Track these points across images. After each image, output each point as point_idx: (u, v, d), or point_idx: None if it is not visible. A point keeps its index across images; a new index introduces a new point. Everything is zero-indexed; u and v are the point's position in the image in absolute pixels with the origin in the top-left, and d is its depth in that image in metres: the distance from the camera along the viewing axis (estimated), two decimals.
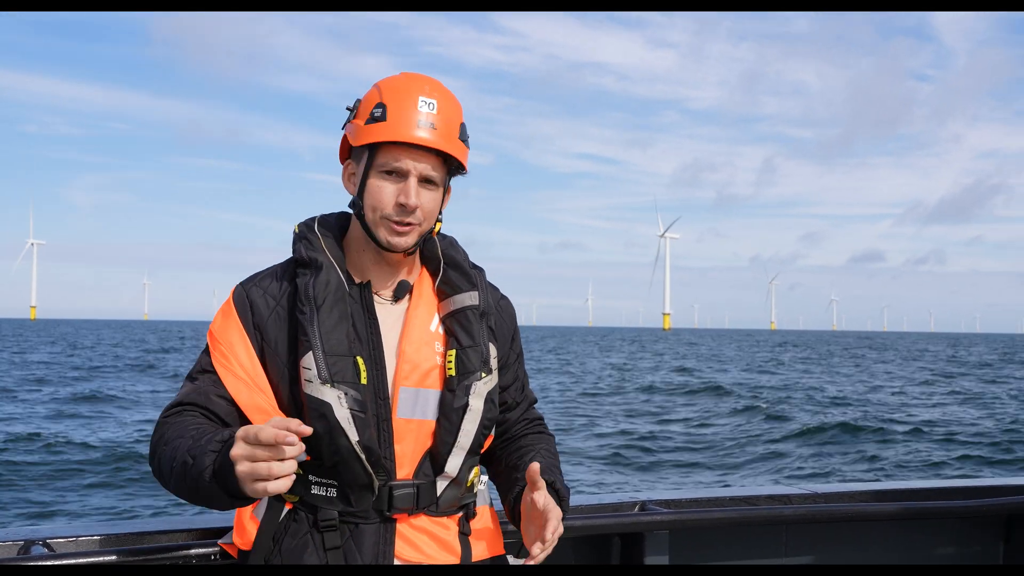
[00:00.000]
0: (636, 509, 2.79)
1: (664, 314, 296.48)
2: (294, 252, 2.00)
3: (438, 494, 1.97)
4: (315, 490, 1.91)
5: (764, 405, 22.92)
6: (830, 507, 2.90)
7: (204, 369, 1.94)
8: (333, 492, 1.91)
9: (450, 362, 1.98)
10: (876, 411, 21.81)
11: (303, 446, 1.61)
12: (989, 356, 68.29)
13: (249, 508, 1.96)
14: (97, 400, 23.21)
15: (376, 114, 1.92)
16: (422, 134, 1.91)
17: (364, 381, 1.89)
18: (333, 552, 1.90)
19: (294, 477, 1.62)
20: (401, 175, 1.93)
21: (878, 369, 45.80)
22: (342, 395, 1.85)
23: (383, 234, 1.95)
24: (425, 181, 1.95)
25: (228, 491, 1.67)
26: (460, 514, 2.03)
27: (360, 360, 1.90)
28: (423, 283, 2.07)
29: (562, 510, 1.97)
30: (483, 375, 2.00)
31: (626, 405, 24.35)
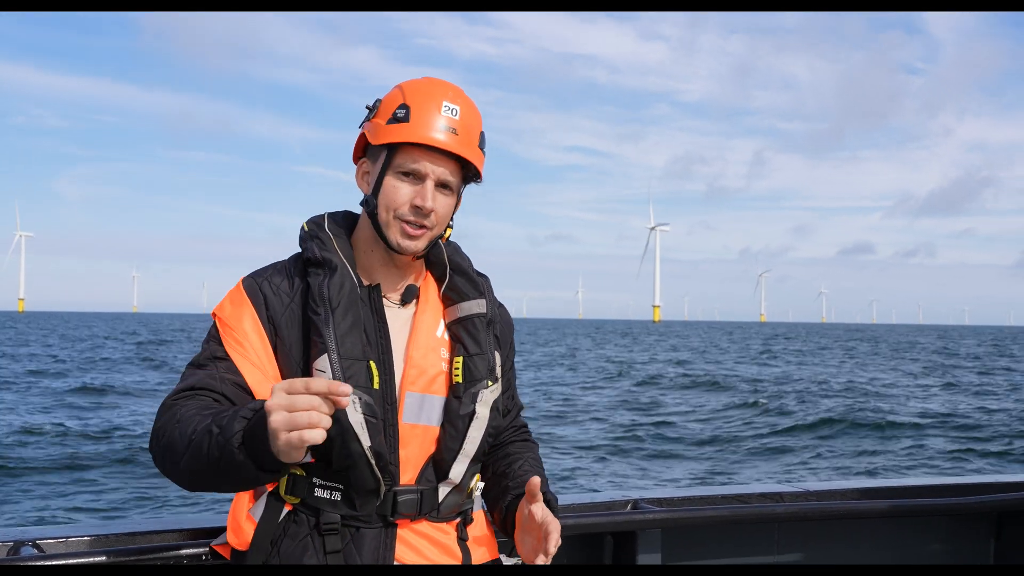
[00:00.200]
0: (628, 508, 2.79)
1: (654, 306, 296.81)
2: (305, 250, 1.96)
3: (440, 500, 1.97)
4: (319, 493, 1.89)
5: (764, 400, 22.89)
6: (822, 505, 2.90)
7: (215, 356, 1.89)
8: (338, 496, 1.89)
9: (457, 369, 1.98)
10: (878, 404, 21.81)
11: (348, 402, 1.60)
12: (977, 348, 68.54)
13: (245, 507, 1.94)
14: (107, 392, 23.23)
15: (399, 115, 1.91)
16: (444, 138, 1.90)
17: (376, 386, 1.88)
18: (333, 556, 1.89)
19: (325, 434, 1.58)
20: (419, 177, 1.92)
21: (872, 362, 45.94)
22: (356, 400, 1.84)
23: (394, 235, 1.94)
24: (441, 186, 1.94)
25: (255, 458, 1.63)
26: (458, 519, 2.03)
27: (373, 364, 1.89)
28: (429, 288, 2.07)
29: None
30: (489, 383, 2.00)
31: (625, 398, 24.34)
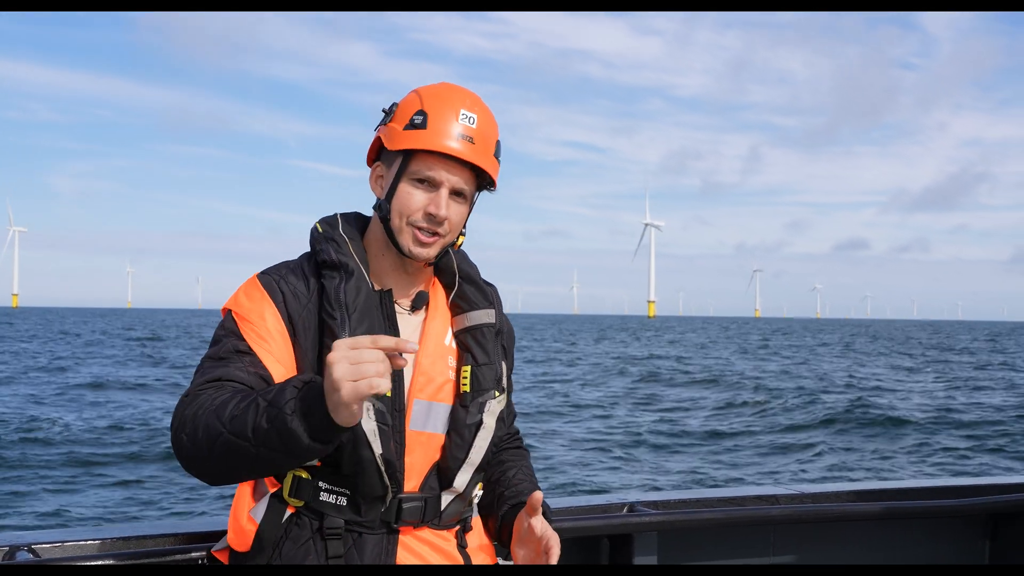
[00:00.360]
0: (625, 510, 2.79)
1: (649, 302, 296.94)
2: (319, 252, 1.95)
3: (443, 507, 1.97)
4: (324, 497, 1.89)
5: (760, 399, 22.85)
6: (817, 507, 2.91)
7: (238, 350, 1.85)
8: (343, 501, 1.88)
9: (465, 378, 1.98)
10: (879, 400, 21.78)
11: (406, 362, 1.64)
12: (973, 343, 68.67)
13: (247, 509, 1.94)
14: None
15: (416, 121, 1.90)
16: (460, 147, 1.90)
17: (389, 394, 1.87)
18: (335, 561, 1.89)
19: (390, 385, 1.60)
20: (433, 185, 1.92)
21: (871, 359, 46.00)
22: (369, 406, 1.84)
23: (406, 242, 1.93)
24: (455, 193, 1.94)
25: (309, 424, 1.62)
26: (458, 527, 2.04)
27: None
28: (437, 295, 2.07)
29: None
30: (496, 394, 2.01)
31: (623, 394, 24.34)
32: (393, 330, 1.94)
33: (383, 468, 1.86)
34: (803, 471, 13.23)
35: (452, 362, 2.01)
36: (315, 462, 1.85)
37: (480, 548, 2.07)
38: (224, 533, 2.04)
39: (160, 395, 22.33)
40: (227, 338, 1.88)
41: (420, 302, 2.02)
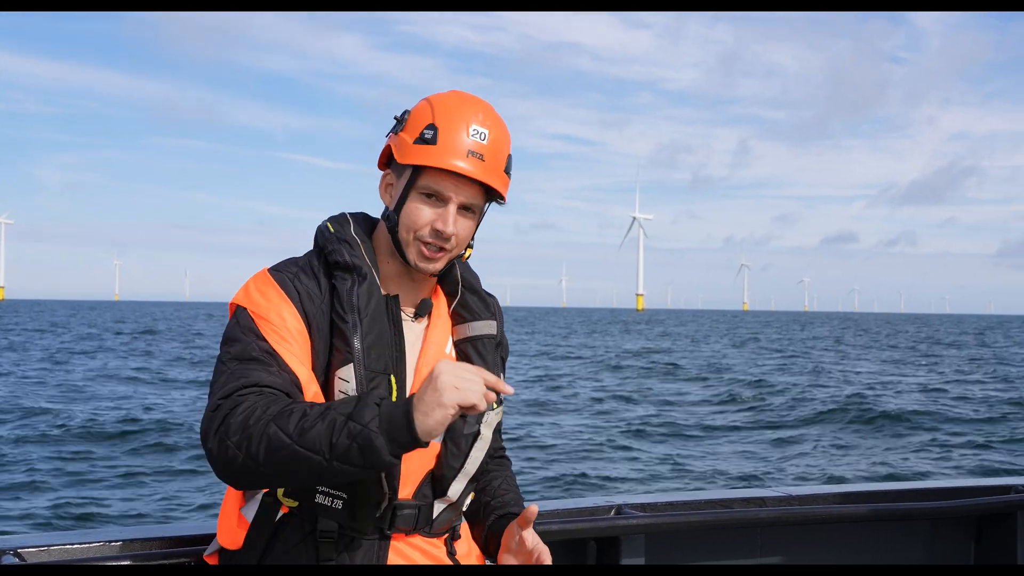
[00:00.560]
0: (612, 513, 2.80)
1: (638, 295, 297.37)
2: (331, 252, 1.93)
3: (435, 516, 1.98)
4: (319, 499, 1.88)
5: (749, 395, 22.83)
6: (804, 509, 2.93)
7: (265, 350, 1.82)
8: (339, 504, 1.88)
9: None
10: (874, 396, 21.77)
11: (495, 398, 1.71)
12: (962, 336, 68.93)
13: (237, 507, 1.93)
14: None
15: (427, 135, 1.89)
16: (470, 165, 1.88)
17: (395, 400, 1.86)
18: (326, 564, 1.89)
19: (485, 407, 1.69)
20: (442, 200, 1.91)
21: (863, 353, 46.13)
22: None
23: (413, 255, 1.93)
24: (464, 208, 1.93)
25: (393, 442, 1.66)
26: (447, 535, 2.05)
27: (393, 379, 1.89)
28: (440, 304, 2.07)
29: None
30: (494, 406, 2.01)
31: (616, 390, 24.31)
32: (399, 336, 1.94)
33: (384, 474, 1.85)
34: (796, 468, 13.23)
35: None
36: None
37: (469, 556, 2.08)
38: (214, 536, 2.03)
39: (152, 387, 22.26)
40: (246, 337, 1.84)
41: (424, 309, 2.02)
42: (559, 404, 20.67)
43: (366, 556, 1.90)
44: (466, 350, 2.03)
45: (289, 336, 1.85)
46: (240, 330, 1.86)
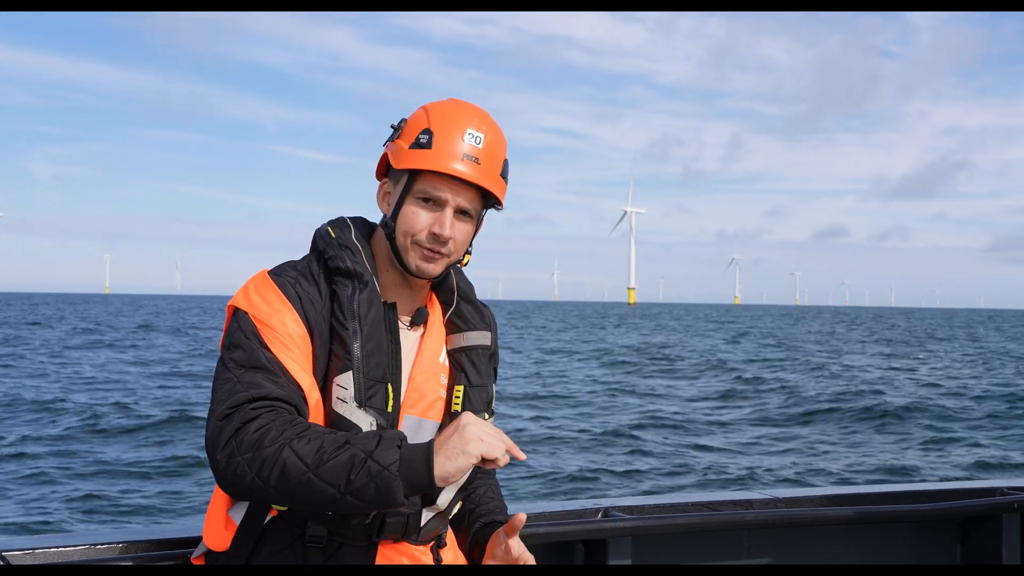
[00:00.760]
0: (599, 515, 2.80)
1: (629, 289, 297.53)
2: (333, 258, 1.92)
3: (422, 523, 1.98)
4: None
5: (750, 389, 22.85)
6: (790, 511, 2.94)
7: (270, 359, 1.81)
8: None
9: (457, 398, 2.00)
10: (871, 392, 21.73)
11: (508, 460, 1.77)
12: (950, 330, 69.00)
13: (224, 509, 1.93)
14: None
15: (422, 140, 1.89)
16: (465, 168, 1.89)
17: (390, 408, 1.88)
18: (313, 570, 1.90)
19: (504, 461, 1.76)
20: (438, 204, 1.91)
21: (858, 348, 46.18)
22: (372, 421, 1.84)
23: (412, 259, 1.93)
24: (461, 213, 1.93)
25: (410, 483, 1.70)
26: (433, 542, 2.05)
27: (390, 387, 1.89)
28: (435, 312, 2.07)
29: None
30: (486, 416, 2.02)
31: (610, 387, 24.28)
32: (395, 344, 1.94)
33: None
34: (790, 466, 13.24)
35: (444, 380, 2.02)
36: None
37: (455, 563, 2.09)
38: (201, 538, 2.02)
39: (141, 381, 22.21)
40: (249, 343, 1.82)
41: (420, 318, 2.02)
42: (550, 399, 20.69)
43: (353, 562, 1.91)
44: (460, 360, 2.04)
45: (291, 343, 1.84)
46: (243, 335, 1.84)
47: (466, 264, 2.06)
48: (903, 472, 12.78)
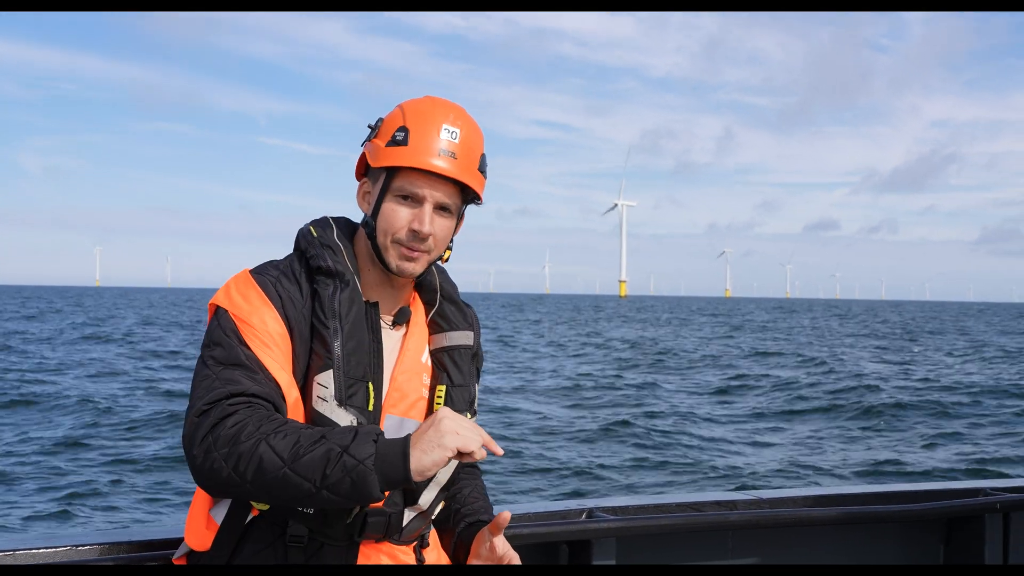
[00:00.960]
0: (583, 516, 2.80)
1: (620, 281, 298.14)
2: (314, 257, 1.92)
3: (404, 523, 1.98)
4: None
5: (742, 386, 22.86)
6: (774, 512, 2.94)
7: (249, 357, 1.81)
8: (310, 509, 1.87)
9: (439, 397, 2.00)
10: (867, 388, 21.65)
11: (485, 454, 1.75)
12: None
13: (206, 509, 1.93)
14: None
15: (398, 137, 1.90)
16: (442, 163, 1.89)
17: (371, 408, 1.88)
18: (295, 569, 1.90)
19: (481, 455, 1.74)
20: (417, 201, 1.91)
21: (855, 341, 46.28)
22: (353, 419, 1.84)
23: (393, 258, 1.93)
24: (440, 208, 1.94)
25: (386, 478, 1.69)
26: (416, 542, 2.06)
27: (371, 386, 1.90)
28: (417, 312, 2.07)
29: None
30: (468, 415, 2.02)
31: (603, 383, 24.28)
32: (377, 344, 1.94)
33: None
34: (782, 461, 13.27)
35: (427, 380, 2.02)
36: None
37: (438, 563, 2.09)
38: (183, 539, 2.02)
39: (131, 379, 22.16)
40: (228, 340, 1.83)
41: (402, 318, 2.03)
42: (536, 393, 20.69)
43: (335, 562, 1.91)
44: (442, 359, 2.04)
45: (271, 341, 1.84)
46: (223, 332, 1.85)
47: (447, 260, 2.07)
48: (894, 465, 12.82)
